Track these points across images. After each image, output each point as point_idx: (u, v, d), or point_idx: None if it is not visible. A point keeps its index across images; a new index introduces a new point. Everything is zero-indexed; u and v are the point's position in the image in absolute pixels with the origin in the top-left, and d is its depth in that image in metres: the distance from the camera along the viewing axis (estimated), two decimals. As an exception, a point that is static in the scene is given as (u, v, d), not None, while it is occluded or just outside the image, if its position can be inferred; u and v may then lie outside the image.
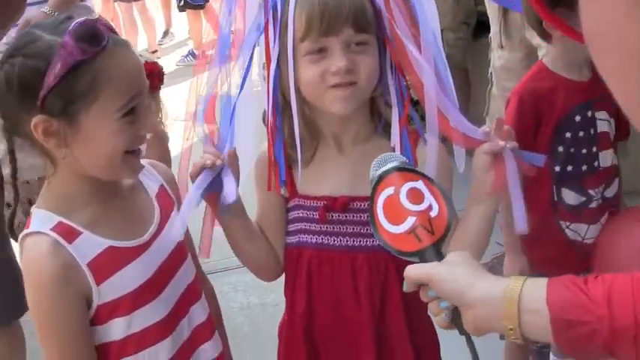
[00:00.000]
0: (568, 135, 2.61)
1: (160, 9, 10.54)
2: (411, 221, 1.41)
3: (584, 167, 2.64)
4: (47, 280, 1.62)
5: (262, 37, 1.81)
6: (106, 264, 1.68)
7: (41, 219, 1.67)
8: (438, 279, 1.32)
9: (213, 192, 1.73)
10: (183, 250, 1.86)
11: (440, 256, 1.38)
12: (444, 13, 4.92)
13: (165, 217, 1.82)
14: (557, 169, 2.64)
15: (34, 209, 1.71)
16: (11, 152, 1.73)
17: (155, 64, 3.65)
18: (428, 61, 1.73)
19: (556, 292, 1.22)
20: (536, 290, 1.24)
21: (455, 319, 1.33)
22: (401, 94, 1.81)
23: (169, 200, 1.87)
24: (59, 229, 1.65)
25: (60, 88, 1.56)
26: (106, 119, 1.60)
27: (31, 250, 1.66)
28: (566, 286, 1.22)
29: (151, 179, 1.86)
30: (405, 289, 1.40)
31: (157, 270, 1.77)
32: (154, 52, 9.68)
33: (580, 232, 2.72)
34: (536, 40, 3.31)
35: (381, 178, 1.47)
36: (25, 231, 1.68)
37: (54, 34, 1.58)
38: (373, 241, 1.78)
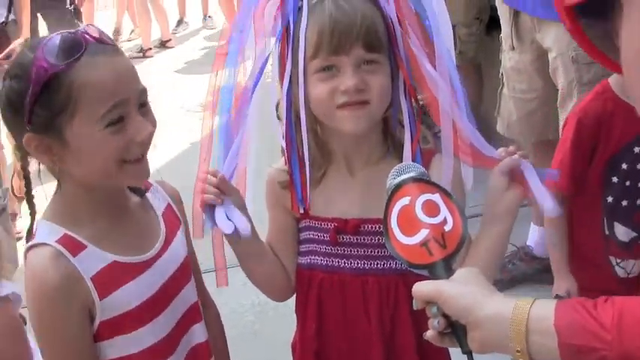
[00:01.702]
0: (624, 166, 2.53)
1: (175, -2, 10.54)
2: (424, 233, 1.39)
3: None
4: (50, 290, 1.62)
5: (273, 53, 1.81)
6: (110, 278, 1.68)
7: (47, 230, 1.68)
8: (446, 296, 1.30)
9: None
10: (187, 271, 1.87)
11: (450, 272, 1.37)
12: (457, 9, 4.89)
13: (170, 236, 1.82)
14: (610, 199, 2.56)
15: (40, 220, 1.71)
16: (23, 169, 1.73)
17: None
18: (444, 79, 1.73)
19: (565, 315, 1.21)
20: (544, 312, 1.23)
21: (459, 336, 1.32)
22: (413, 114, 1.80)
23: (176, 219, 1.88)
24: (64, 241, 1.65)
25: (40, 104, 1.57)
26: (89, 130, 1.59)
27: (35, 260, 1.66)
28: (575, 309, 1.21)
29: (158, 198, 1.86)
30: (414, 306, 1.38)
31: (161, 288, 1.77)
32: (168, 40, 9.68)
33: (627, 267, 2.66)
34: (546, 42, 3.32)
35: (397, 187, 1.45)
36: (30, 242, 1.68)
37: (32, 52, 1.60)
38: (384, 264, 1.80)
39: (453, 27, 5.03)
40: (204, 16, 10.62)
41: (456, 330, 1.32)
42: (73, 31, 1.62)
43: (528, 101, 3.66)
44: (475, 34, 5.00)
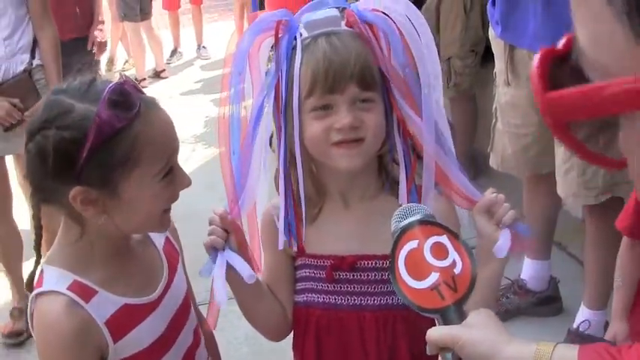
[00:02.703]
0: None
1: (169, 28, 10.60)
2: (434, 277, 1.37)
3: None
4: (64, 340, 1.60)
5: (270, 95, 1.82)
6: (123, 322, 1.67)
7: (55, 277, 1.65)
8: (463, 343, 1.28)
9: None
10: (187, 301, 1.87)
11: (462, 316, 1.35)
12: (452, 41, 4.96)
13: (172, 271, 1.83)
14: None
15: (45, 266, 1.69)
16: (37, 219, 1.71)
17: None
18: (428, 127, 1.75)
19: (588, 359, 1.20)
20: (567, 357, 1.21)
21: None
22: (408, 151, 1.81)
23: (174, 252, 1.89)
24: (75, 288, 1.63)
25: (98, 158, 1.53)
26: (147, 183, 1.60)
27: (46, 309, 1.63)
28: (599, 354, 1.20)
29: (157, 234, 1.85)
30: (428, 352, 1.37)
31: (169, 324, 1.77)
32: (162, 71, 9.71)
33: None
34: (541, 77, 3.31)
35: (404, 230, 1.42)
36: (38, 290, 1.65)
37: (86, 102, 1.55)
38: (380, 300, 1.80)
39: (448, 59, 5.08)
40: (199, 46, 10.73)
41: None
42: (117, 82, 1.59)
43: (523, 136, 3.67)
44: (470, 67, 5.04)
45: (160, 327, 1.75)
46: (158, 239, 1.85)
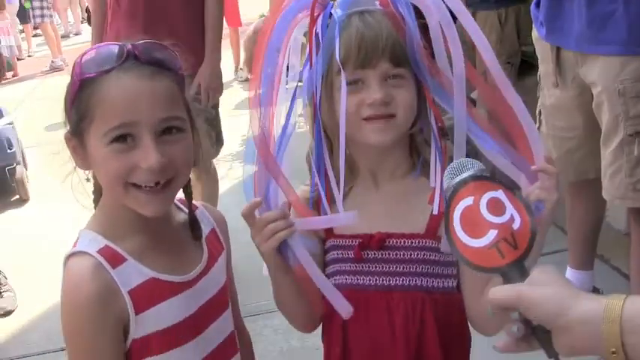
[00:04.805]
0: None
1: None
2: (492, 235, 1.30)
3: None
4: (86, 300, 1.58)
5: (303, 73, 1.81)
6: (147, 294, 1.64)
7: (88, 240, 1.65)
8: (529, 302, 1.22)
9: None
10: (225, 298, 1.83)
11: (524, 274, 1.28)
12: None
13: (212, 261, 1.79)
14: None
15: (82, 230, 1.69)
16: None
17: None
18: (460, 97, 1.71)
19: None
20: (638, 310, 1.15)
21: (544, 342, 1.23)
22: (438, 132, 1.78)
23: (219, 245, 1.85)
24: (105, 252, 1.63)
25: (75, 105, 1.61)
26: (98, 142, 1.58)
27: (74, 269, 1.63)
28: None
29: (203, 221, 1.83)
30: (489, 313, 1.28)
31: (197, 311, 1.73)
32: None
33: None
34: (590, 77, 3.26)
35: (457, 187, 1.37)
36: (70, 250, 1.66)
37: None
38: (409, 280, 1.77)
39: (483, 73, 5.06)
40: (236, 67, 10.79)
41: (540, 335, 1.23)
42: (122, 43, 1.62)
43: (568, 139, 3.59)
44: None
45: (187, 311, 1.71)
46: (203, 228, 1.82)
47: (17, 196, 6.77)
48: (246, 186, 1.75)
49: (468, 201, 1.34)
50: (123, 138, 1.56)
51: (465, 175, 1.38)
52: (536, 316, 1.22)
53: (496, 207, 1.33)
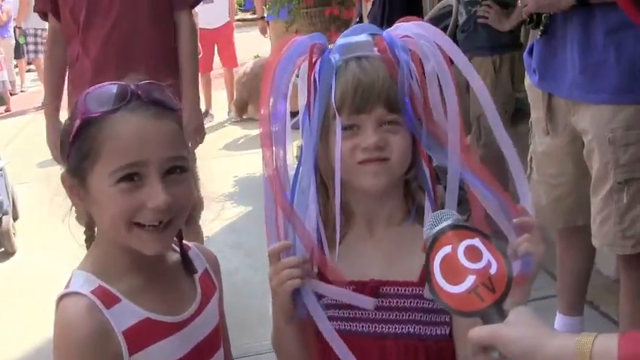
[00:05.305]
0: None
1: (201, 89, 10.67)
2: (471, 280, 1.37)
3: None
4: (80, 341, 1.57)
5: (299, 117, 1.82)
6: (142, 335, 1.64)
7: (82, 280, 1.65)
8: (506, 340, 1.30)
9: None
10: (217, 338, 1.83)
11: (503, 315, 1.35)
12: (482, 100, 4.90)
13: (205, 300, 1.79)
14: None
15: (75, 270, 1.69)
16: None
17: None
18: (453, 144, 1.74)
19: (628, 347, 1.20)
20: (608, 345, 1.22)
21: None
22: (432, 179, 1.80)
23: (211, 285, 1.85)
24: (99, 292, 1.62)
25: (76, 145, 1.62)
26: (104, 182, 1.58)
27: (68, 309, 1.62)
28: (639, 341, 1.21)
29: (196, 261, 1.83)
30: (470, 352, 1.37)
31: (191, 351, 1.72)
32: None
33: None
34: (582, 125, 3.28)
35: (436, 236, 1.44)
36: (64, 290, 1.65)
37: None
38: (402, 328, 1.77)
39: (478, 118, 5.06)
40: (230, 108, 10.80)
41: None
42: (125, 83, 1.64)
43: (558, 186, 3.60)
44: (500, 126, 4.99)
45: (180, 352, 1.70)
46: (197, 268, 1.83)
47: (2, 249, 6.38)
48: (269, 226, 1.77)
49: (447, 249, 1.41)
50: (130, 177, 1.57)
51: (443, 224, 1.45)
52: (513, 353, 1.29)
53: (473, 254, 1.40)
